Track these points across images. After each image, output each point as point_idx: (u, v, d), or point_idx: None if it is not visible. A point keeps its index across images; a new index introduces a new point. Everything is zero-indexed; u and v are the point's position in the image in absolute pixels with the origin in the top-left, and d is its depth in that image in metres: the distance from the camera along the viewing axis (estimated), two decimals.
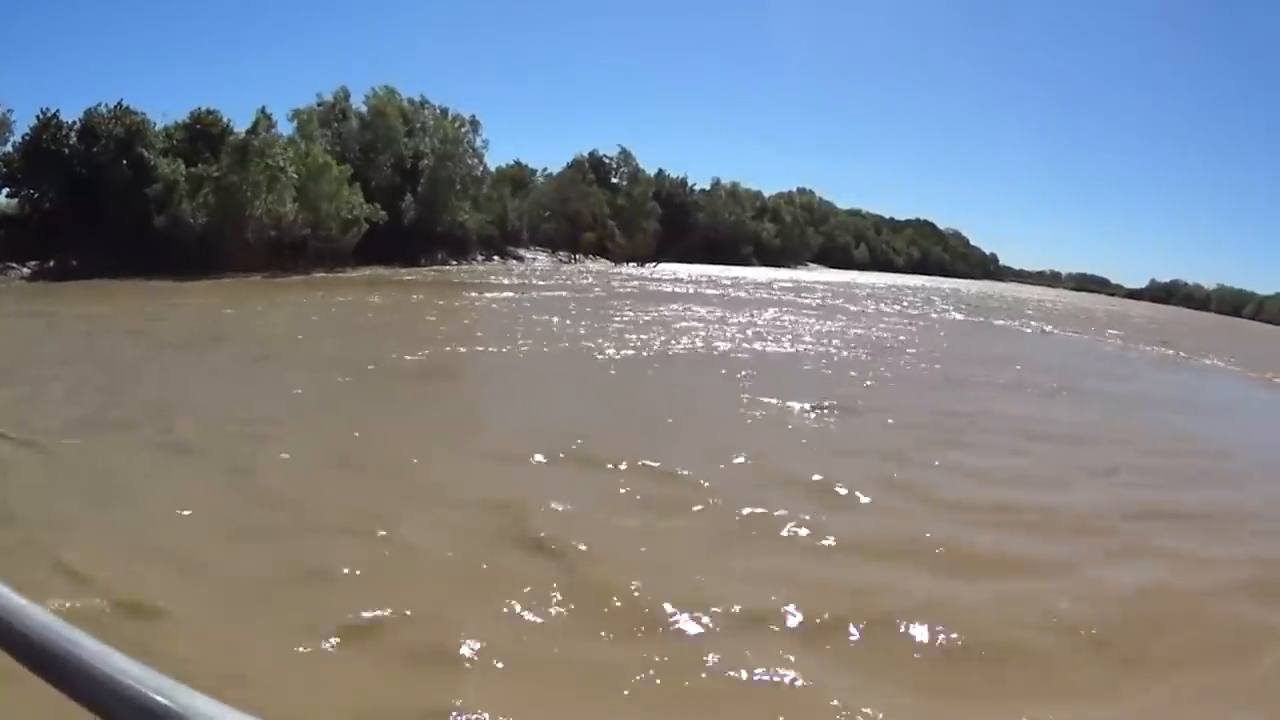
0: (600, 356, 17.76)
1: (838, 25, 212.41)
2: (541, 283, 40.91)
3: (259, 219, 36.07)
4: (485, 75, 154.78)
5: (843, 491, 8.56)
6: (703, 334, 23.44)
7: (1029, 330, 37.39)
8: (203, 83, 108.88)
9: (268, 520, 7.06)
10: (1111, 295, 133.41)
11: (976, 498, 8.73)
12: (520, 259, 59.71)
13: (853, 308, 41.61)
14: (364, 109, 50.79)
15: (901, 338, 27.53)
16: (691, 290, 43.85)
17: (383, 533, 6.77)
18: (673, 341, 21.10)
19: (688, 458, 9.34)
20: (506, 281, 40.53)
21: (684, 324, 25.87)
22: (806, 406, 12.97)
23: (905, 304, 48.77)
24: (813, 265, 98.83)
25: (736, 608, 5.66)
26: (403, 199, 48.24)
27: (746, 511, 7.66)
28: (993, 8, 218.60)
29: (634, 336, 21.52)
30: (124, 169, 34.04)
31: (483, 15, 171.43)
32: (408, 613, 5.46)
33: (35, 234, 31.59)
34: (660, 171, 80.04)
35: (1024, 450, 11.42)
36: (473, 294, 32.48)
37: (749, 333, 24.97)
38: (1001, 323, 41.57)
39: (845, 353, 21.83)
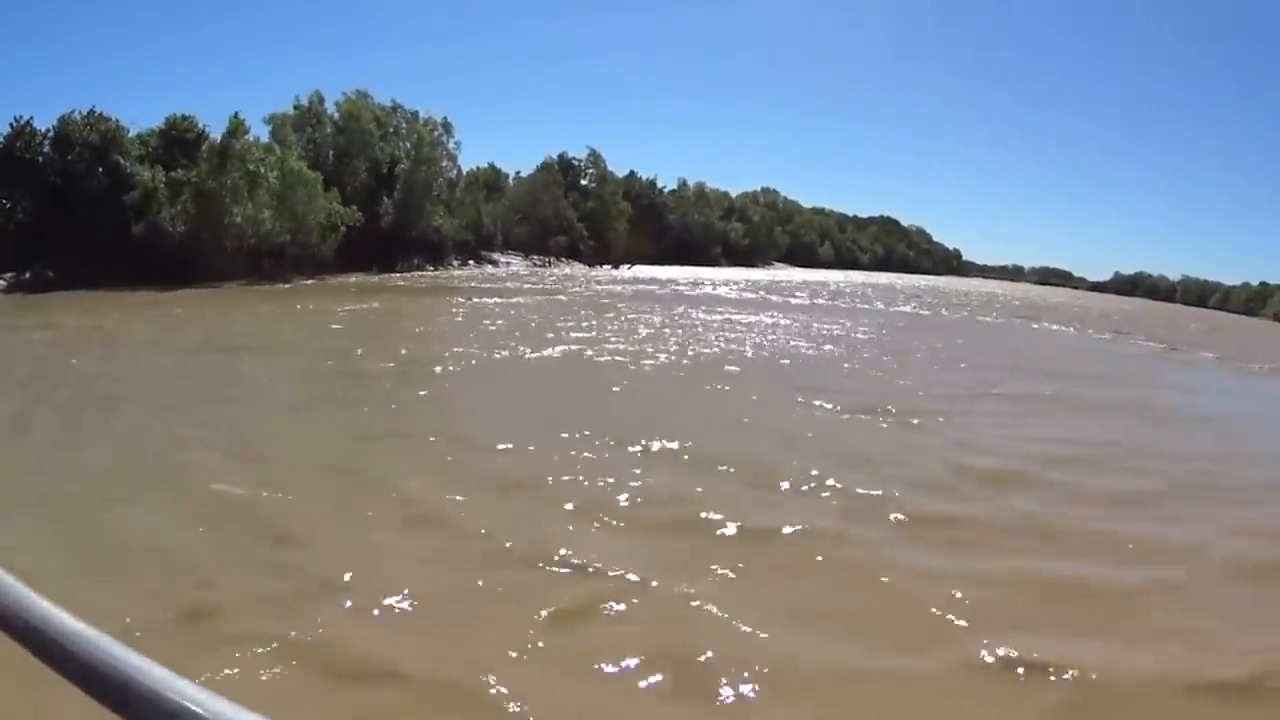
0: (631, 363, 18.03)
1: (800, 24, 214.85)
2: (526, 287, 40.78)
3: (238, 226, 35.49)
4: (456, 74, 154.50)
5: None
6: (716, 338, 23.72)
7: (1035, 327, 37.69)
8: (168, 90, 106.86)
9: None
10: (1075, 288, 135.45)
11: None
12: (495, 263, 59.33)
13: (841, 305, 42.31)
14: (336, 114, 50.32)
15: (910, 339, 27.65)
16: (672, 291, 44.13)
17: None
18: (686, 347, 21.28)
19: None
20: (493, 286, 40.33)
21: (688, 328, 26.28)
22: (861, 417, 12.53)
23: (889, 303, 49.28)
24: (780, 264, 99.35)
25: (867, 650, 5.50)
26: (379, 204, 47.79)
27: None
28: (956, 5, 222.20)
29: (645, 343, 21.69)
30: (100, 177, 33.26)
31: (452, 16, 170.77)
32: None
33: (9, 245, 30.76)
34: (632, 173, 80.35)
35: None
36: (491, 299, 32.15)
37: (755, 336, 25.28)
38: (991, 319, 41.89)
39: (865, 355, 21.72)
